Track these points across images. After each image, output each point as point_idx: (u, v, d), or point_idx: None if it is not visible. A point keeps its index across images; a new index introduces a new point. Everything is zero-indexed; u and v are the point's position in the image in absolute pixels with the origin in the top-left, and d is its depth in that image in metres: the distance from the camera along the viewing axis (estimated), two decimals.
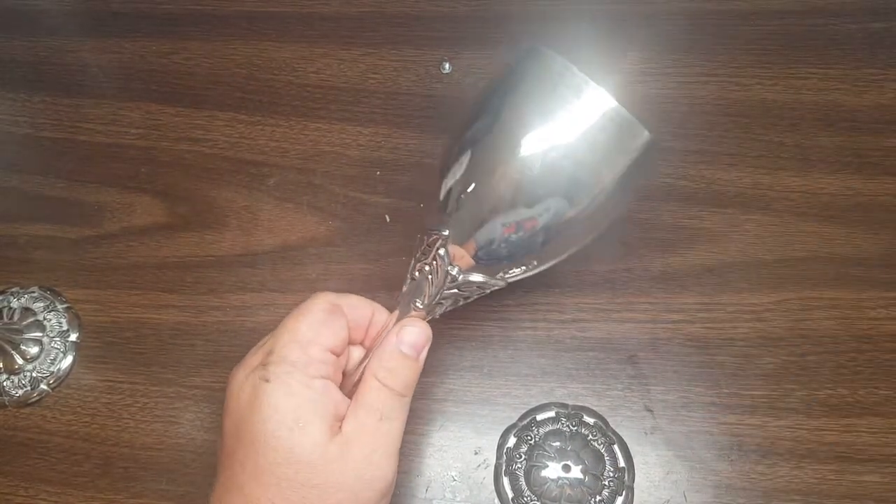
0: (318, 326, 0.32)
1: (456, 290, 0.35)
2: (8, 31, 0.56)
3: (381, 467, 0.31)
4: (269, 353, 0.31)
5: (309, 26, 0.55)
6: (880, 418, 0.41)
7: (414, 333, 0.33)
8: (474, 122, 0.34)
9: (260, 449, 0.29)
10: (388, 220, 0.48)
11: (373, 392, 0.32)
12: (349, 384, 0.34)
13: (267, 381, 0.30)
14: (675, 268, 0.45)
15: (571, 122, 0.31)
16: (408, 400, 0.33)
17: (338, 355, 0.33)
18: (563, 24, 0.53)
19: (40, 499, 0.42)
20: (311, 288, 0.46)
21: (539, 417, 0.42)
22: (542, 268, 0.36)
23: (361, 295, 0.35)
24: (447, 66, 0.52)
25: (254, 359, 0.32)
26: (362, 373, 0.34)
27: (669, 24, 0.53)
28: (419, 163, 0.49)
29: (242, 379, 0.31)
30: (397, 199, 0.48)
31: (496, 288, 0.36)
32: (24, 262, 0.48)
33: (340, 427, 0.31)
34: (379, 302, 0.36)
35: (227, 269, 0.47)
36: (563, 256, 0.36)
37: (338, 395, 0.32)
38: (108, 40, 0.55)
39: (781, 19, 0.52)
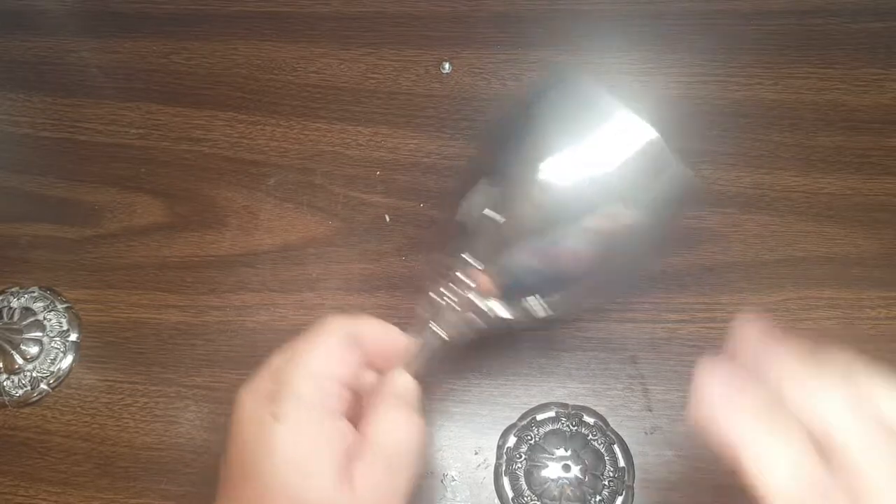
0: (331, 360, 0.31)
1: (475, 318, 0.35)
2: (8, 31, 0.56)
3: None
4: (280, 385, 0.30)
5: (309, 26, 0.55)
6: None
7: (404, 383, 0.33)
8: (502, 145, 0.34)
9: (269, 493, 0.29)
10: (387, 219, 0.48)
11: (380, 435, 0.31)
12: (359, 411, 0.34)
13: (278, 419, 0.29)
14: (675, 268, 0.45)
15: (605, 147, 0.31)
16: (419, 450, 0.32)
17: (350, 386, 0.32)
18: (563, 25, 0.53)
19: (40, 499, 0.42)
20: (311, 288, 0.46)
21: (539, 417, 0.42)
22: (565, 307, 0.36)
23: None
24: (447, 66, 0.52)
25: (263, 384, 0.31)
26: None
27: (670, 23, 0.53)
28: (419, 162, 0.49)
29: (251, 409, 0.30)
30: (397, 198, 0.48)
31: (517, 325, 0.36)
32: (24, 262, 0.48)
33: (351, 467, 0.30)
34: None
35: (227, 269, 0.47)
36: (592, 297, 0.36)
37: (348, 431, 0.31)
38: (108, 40, 0.55)
39: (781, 19, 0.52)
